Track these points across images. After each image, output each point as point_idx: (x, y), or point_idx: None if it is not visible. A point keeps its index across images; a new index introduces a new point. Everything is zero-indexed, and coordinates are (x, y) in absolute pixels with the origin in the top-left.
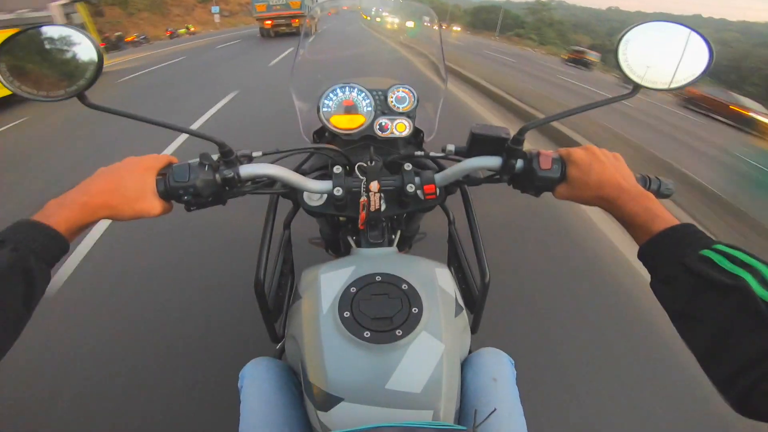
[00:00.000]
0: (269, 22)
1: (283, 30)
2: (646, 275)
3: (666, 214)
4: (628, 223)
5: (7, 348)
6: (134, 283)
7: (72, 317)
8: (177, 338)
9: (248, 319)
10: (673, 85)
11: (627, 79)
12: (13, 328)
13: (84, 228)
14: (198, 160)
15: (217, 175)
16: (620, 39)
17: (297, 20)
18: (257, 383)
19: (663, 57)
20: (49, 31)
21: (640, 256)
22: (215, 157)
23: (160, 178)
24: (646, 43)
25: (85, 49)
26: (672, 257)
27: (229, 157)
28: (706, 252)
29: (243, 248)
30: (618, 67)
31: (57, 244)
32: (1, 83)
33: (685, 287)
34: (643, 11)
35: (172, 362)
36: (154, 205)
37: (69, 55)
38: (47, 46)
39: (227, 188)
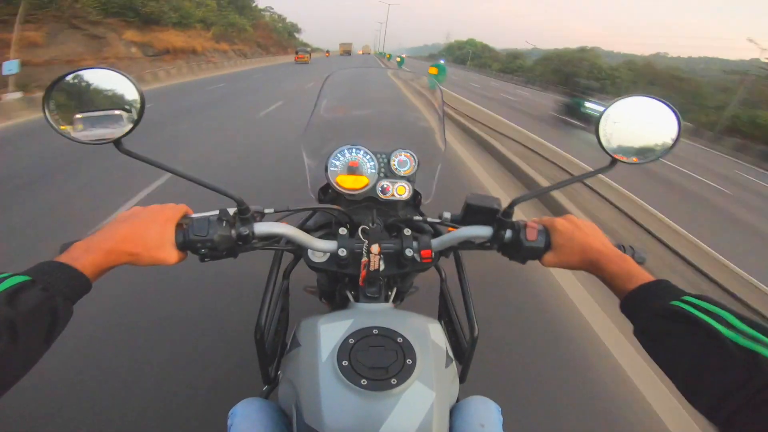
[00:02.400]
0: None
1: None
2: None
3: (641, 273)
4: (610, 282)
5: (21, 376)
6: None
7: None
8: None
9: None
10: (645, 159)
11: (606, 153)
12: (32, 360)
13: (106, 271)
14: (217, 214)
15: (233, 231)
16: (601, 115)
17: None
18: (247, 423)
19: (638, 131)
20: (99, 74)
21: (622, 309)
22: (231, 212)
23: (179, 229)
24: (622, 117)
25: (129, 95)
26: (647, 308)
27: (245, 214)
28: (676, 302)
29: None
30: (598, 142)
31: (81, 285)
32: (47, 120)
33: (661, 333)
34: (693, 56)
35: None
36: (171, 254)
37: (113, 99)
38: (95, 89)
39: (240, 243)
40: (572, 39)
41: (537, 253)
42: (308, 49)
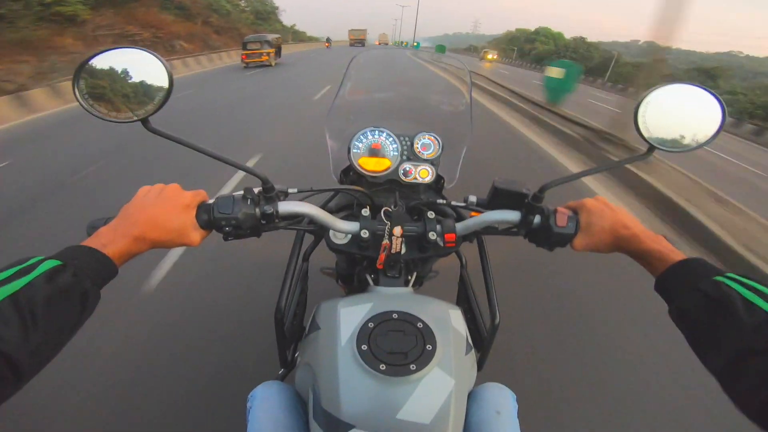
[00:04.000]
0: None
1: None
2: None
3: (677, 251)
4: (644, 260)
5: (52, 357)
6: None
7: None
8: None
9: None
10: (684, 148)
11: (643, 140)
12: (63, 341)
13: (134, 256)
14: (242, 193)
15: (258, 210)
16: (641, 101)
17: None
18: (266, 405)
19: (679, 119)
20: (129, 54)
21: (657, 287)
22: (256, 191)
23: (204, 209)
24: (664, 105)
25: (158, 74)
26: (687, 285)
27: (270, 193)
28: (720, 278)
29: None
30: (636, 128)
31: (109, 271)
32: (77, 99)
33: (703, 311)
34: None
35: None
36: (195, 237)
37: (142, 78)
38: (123, 69)
39: (263, 222)
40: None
41: (566, 240)
42: (271, 39)
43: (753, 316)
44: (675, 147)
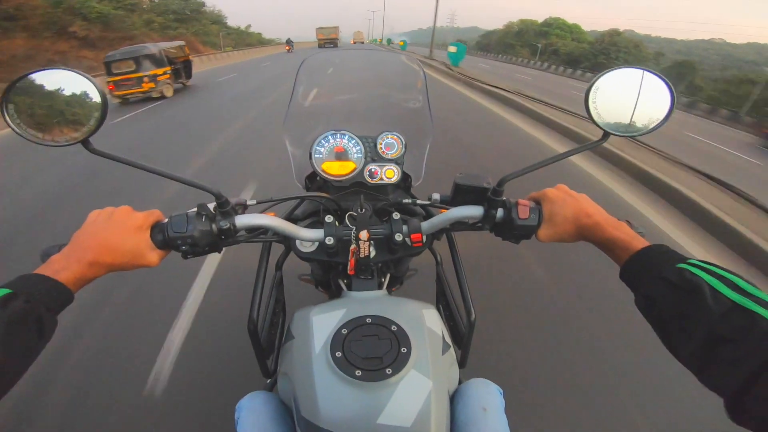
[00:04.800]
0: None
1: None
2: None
3: (639, 238)
4: (608, 248)
5: (12, 385)
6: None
7: None
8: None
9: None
10: (637, 132)
11: (597, 126)
12: (22, 369)
13: (89, 281)
14: (195, 210)
15: (214, 226)
16: (590, 87)
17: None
18: (253, 415)
19: (628, 103)
20: (56, 74)
21: (622, 276)
22: (211, 206)
23: (158, 228)
24: (613, 89)
25: (90, 95)
26: (652, 273)
27: (225, 208)
28: (683, 265)
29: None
30: (588, 115)
31: (64, 297)
32: (8, 125)
33: (668, 299)
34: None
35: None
36: (152, 258)
37: (74, 99)
38: (53, 90)
39: (223, 237)
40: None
41: (530, 231)
42: (157, 51)
43: (719, 303)
44: (629, 131)
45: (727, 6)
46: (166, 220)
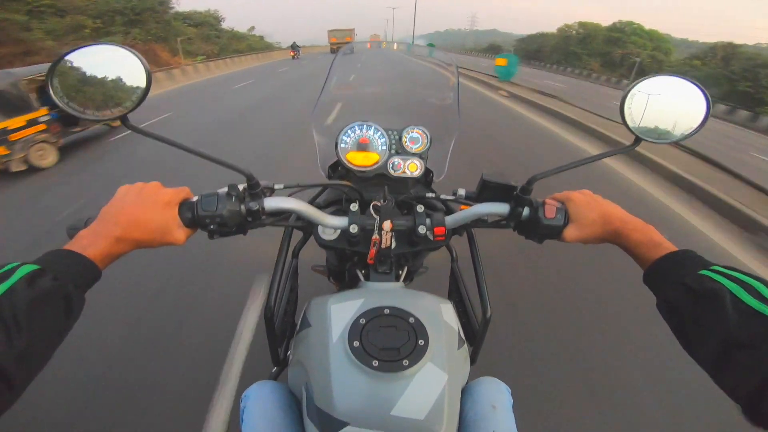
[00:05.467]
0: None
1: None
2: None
3: (666, 242)
4: (633, 250)
5: (43, 365)
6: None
7: None
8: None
9: None
10: (670, 139)
11: (630, 131)
12: (52, 347)
13: (116, 258)
14: (226, 190)
15: (243, 207)
16: (627, 93)
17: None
18: (260, 405)
19: (665, 110)
20: (103, 50)
21: (645, 279)
22: (240, 188)
23: (187, 206)
24: (649, 96)
25: (135, 72)
26: (674, 279)
27: (255, 189)
28: (705, 272)
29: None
30: (623, 120)
31: (92, 274)
32: (52, 98)
33: (688, 305)
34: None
35: None
36: (179, 235)
37: (119, 76)
38: (98, 66)
39: (250, 219)
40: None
41: (555, 231)
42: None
43: (738, 310)
44: (661, 138)
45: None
46: (195, 198)
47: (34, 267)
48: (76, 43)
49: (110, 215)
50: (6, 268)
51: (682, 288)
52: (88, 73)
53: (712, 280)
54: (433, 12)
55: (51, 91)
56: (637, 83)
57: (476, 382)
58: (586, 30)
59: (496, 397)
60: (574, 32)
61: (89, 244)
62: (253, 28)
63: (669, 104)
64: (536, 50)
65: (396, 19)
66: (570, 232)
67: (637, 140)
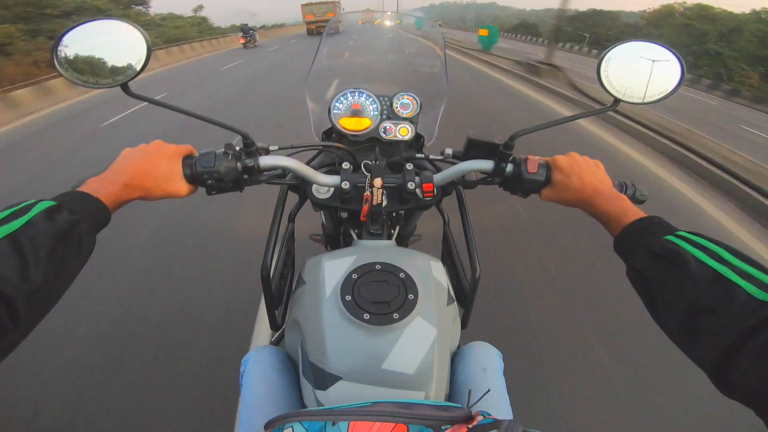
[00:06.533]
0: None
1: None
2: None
3: (635, 210)
4: (604, 220)
5: (51, 306)
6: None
7: None
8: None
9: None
10: (647, 100)
11: (608, 93)
12: (62, 287)
13: (123, 204)
14: (223, 149)
15: (239, 164)
16: (602, 57)
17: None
18: (258, 368)
19: (640, 73)
20: (105, 24)
21: (615, 247)
22: (237, 147)
23: (187, 163)
24: (625, 60)
25: (135, 42)
26: (640, 245)
27: (250, 148)
28: (669, 237)
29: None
30: (600, 82)
31: (103, 216)
32: (56, 69)
33: (654, 271)
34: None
35: None
36: (181, 187)
37: (121, 46)
38: (102, 38)
39: (246, 176)
40: None
41: (538, 186)
42: None
43: (701, 274)
44: (638, 99)
45: None
46: (196, 156)
47: (51, 203)
48: None
49: (116, 166)
50: (23, 204)
51: (648, 254)
52: (91, 46)
53: (674, 244)
54: None
55: (56, 64)
56: (613, 48)
57: (468, 347)
58: (714, 17)
59: (488, 361)
60: (690, 14)
61: (99, 188)
62: (200, 8)
63: (645, 68)
64: (609, 36)
65: None
66: (547, 192)
67: (616, 101)
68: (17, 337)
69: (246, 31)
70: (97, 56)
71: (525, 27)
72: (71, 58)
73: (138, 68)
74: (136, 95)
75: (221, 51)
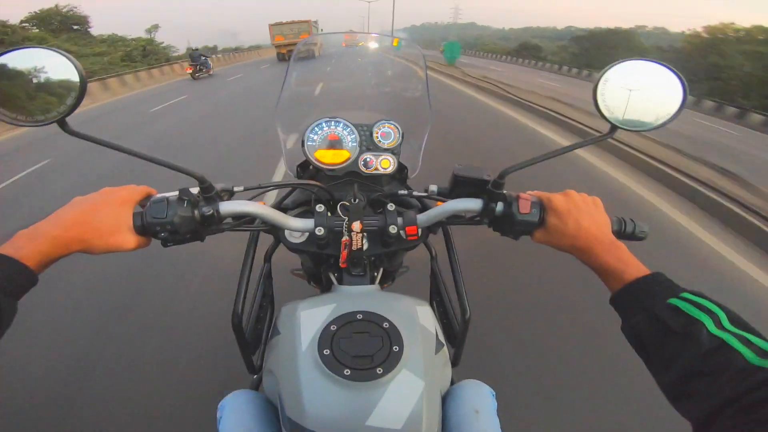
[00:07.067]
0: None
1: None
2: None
3: (636, 264)
4: (601, 272)
5: None
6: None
7: None
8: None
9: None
10: (648, 127)
11: (605, 120)
12: None
13: (55, 261)
14: (177, 194)
15: (196, 212)
16: (599, 78)
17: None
18: (236, 415)
19: (640, 96)
20: (32, 53)
21: (613, 302)
22: (195, 191)
23: (138, 212)
24: (624, 83)
25: (67, 74)
26: (642, 305)
27: (209, 193)
28: (673, 300)
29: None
30: (596, 107)
31: (25, 278)
32: None
33: (653, 333)
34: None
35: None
36: (128, 239)
37: (51, 78)
38: (29, 70)
39: (206, 225)
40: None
41: (530, 227)
42: None
43: (704, 342)
44: (637, 126)
45: None
46: (149, 202)
47: None
48: None
49: (54, 216)
50: None
51: (649, 316)
52: (17, 78)
53: (679, 309)
54: (407, 7)
55: None
56: (610, 68)
57: (459, 386)
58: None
59: (480, 401)
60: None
61: (24, 244)
62: (155, 27)
63: (644, 91)
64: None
65: (372, 12)
66: (539, 234)
67: (613, 128)
68: None
69: (195, 57)
70: (25, 90)
71: (527, 49)
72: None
73: (73, 102)
74: (75, 133)
75: (165, 83)
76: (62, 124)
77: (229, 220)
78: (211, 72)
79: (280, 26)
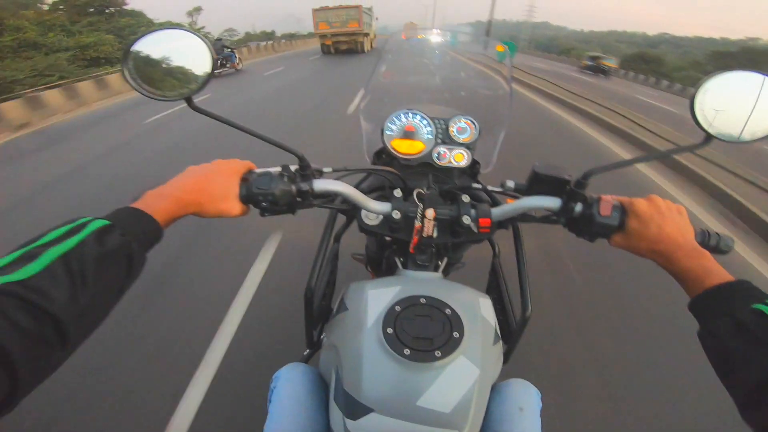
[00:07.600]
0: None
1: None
2: None
3: (721, 271)
4: (681, 278)
5: (98, 324)
6: None
7: None
8: None
9: None
10: (745, 138)
11: (700, 129)
12: (110, 304)
13: (176, 219)
14: (279, 169)
15: (294, 187)
16: (699, 87)
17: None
18: (289, 386)
19: (740, 107)
20: (172, 34)
21: (691, 307)
22: (293, 168)
23: (243, 182)
24: (724, 92)
25: (200, 55)
26: (724, 310)
27: (306, 171)
28: (759, 306)
29: None
30: (692, 115)
31: (155, 233)
32: (126, 80)
33: (733, 338)
34: None
35: None
36: (234, 206)
37: (186, 58)
38: (168, 49)
39: (299, 200)
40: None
41: (609, 231)
42: None
43: None
44: (734, 137)
45: None
46: (250, 177)
47: (105, 222)
48: None
49: (175, 180)
50: (79, 222)
51: (732, 322)
52: (157, 57)
53: (766, 317)
54: (476, 1)
55: (125, 74)
56: (712, 77)
57: (506, 383)
58: None
59: (525, 400)
60: None
61: (154, 203)
62: (198, 10)
63: (746, 102)
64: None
65: (436, 6)
66: (618, 238)
67: (708, 138)
68: (64, 355)
69: (218, 49)
70: (163, 67)
71: (645, 60)
72: (140, 68)
73: (201, 82)
74: (200, 110)
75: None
76: (189, 101)
77: (316, 197)
78: (238, 66)
79: (324, 12)
